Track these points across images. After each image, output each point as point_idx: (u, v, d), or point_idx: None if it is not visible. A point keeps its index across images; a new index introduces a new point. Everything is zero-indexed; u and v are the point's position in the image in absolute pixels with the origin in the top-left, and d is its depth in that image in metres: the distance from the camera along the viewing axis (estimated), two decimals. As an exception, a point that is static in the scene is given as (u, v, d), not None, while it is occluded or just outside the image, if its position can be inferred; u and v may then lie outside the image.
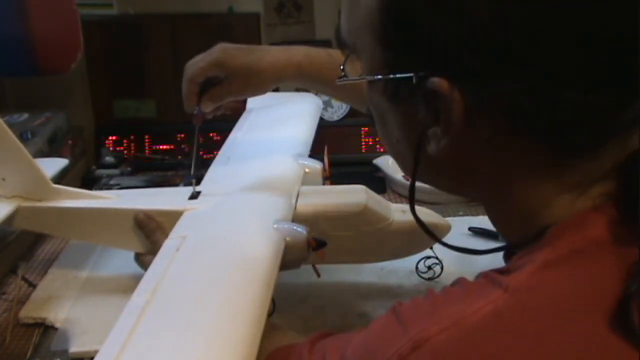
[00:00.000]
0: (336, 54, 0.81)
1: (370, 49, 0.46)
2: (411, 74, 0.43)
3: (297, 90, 1.22)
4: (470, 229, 1.03)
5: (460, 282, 0.45)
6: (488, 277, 0.43)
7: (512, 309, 0.39)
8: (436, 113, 0.43)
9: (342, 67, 0.55)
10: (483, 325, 0.39)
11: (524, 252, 0.44)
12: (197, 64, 0.80)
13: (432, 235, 0.55)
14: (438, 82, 0.41)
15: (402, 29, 0.43)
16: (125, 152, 1.44)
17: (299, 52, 0.82)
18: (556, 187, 0.44)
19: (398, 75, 0.44)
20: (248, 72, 0.79)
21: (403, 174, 1.23)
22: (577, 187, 0.43)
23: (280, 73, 0.81)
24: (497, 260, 0.51)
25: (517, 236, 0.47)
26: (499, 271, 0.44)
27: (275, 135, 1.00)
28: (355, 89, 0.82)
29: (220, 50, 0.80)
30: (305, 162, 0.89)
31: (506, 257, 0.52)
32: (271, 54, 0.81)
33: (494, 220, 0.51)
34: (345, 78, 0.54)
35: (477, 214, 1.11)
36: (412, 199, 0.53)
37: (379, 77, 0.46)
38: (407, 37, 0.43)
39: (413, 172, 0.49)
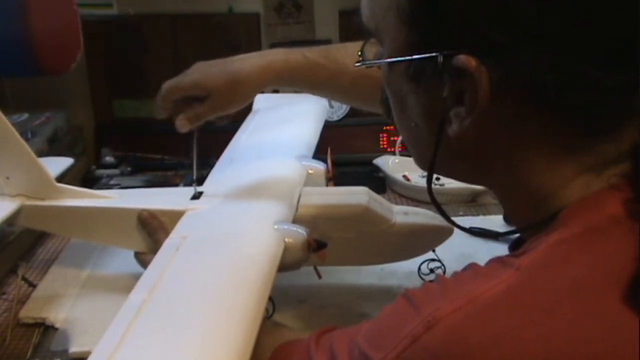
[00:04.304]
0: (312, 54, 0.81)
1: (394, 30, 0.46)
2: (437, 53, 0.43)
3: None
4: (470, 229, 1.03)
5: (471, 266, 0.45)
6: (500, 260, 0.43)
7: (524, 285, 0.40)
8: (460, 93, 0.44)
9: (359, 53, 0.55)
10: (496, 302, 0.39)
11: (538, 235, 0.44)
12: (175, 83, 0.77)
13: (449, 219, 0.55)
14: (465, 59, 0.42)
15: (430, 7, 0.43)
16: (125, 152, 1.44)
17: (277, 58, 0.80)
18: (574, 169, 0.44)
19: (424, 55, 0.44)
20: (229, 87, 0.77)
21: (403, 173, 1.23)
22: (595, 168, 0.43)
23: (260, 82, 0.79)
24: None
25: (530, 221, 0.47)
26: (511, 255, 0.44)
27: (279, 136, 1.00)
28: (334, 84, 0.82)
29: (198, 70, 0.78)
30: (309, 164, 0.89)
31: (512, 248, 0.52)
32: (249, 64, 0.79)
33: (507, 205, 0.51)
34: (364, 62, 0.54)
35: (477, 214, 1.11)
36: (430, 186, 0.52)
37: (405, 58, 0.46)
38: (434, 15, 0.43)
39: (432, 156, 0.49)
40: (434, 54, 0.44)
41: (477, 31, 0.41)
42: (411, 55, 0.45)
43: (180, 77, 0.78)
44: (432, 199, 0.53)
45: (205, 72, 0.78)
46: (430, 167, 0.50)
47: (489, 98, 0.42)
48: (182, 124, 0.78)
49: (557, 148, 0.44)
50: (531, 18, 0.40)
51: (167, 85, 0.78)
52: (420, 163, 0.54)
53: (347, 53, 0.80)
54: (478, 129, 0.44)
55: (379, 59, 0.51)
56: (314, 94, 0.88)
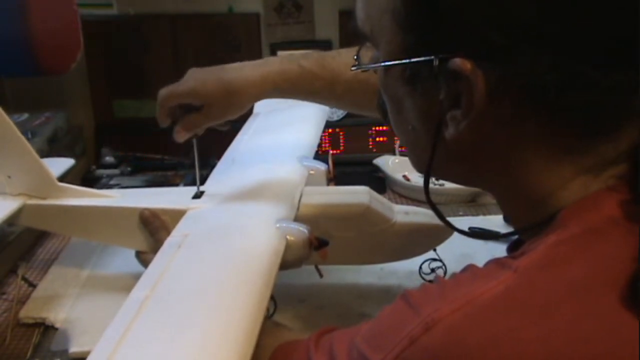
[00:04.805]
0: (307, 63, 0.80)
1: (390, 33, 0.46)
2: (433, 56, 0.43)
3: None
4: (470, 229, 1.03)
5: (469, 268, 0.45)
6: (498, 262, 0.43)
7: (522, 287, 0.40)
8: (457, 95, 0.44)
9: (355, 57, 0.55)
10: (494, 303, 0.39)
11: (536, 237, 0.44)
12: (170, 90, 0.78)
13: (447, 222, 0.55)
14: (461, 62, 0.42)
15: (426, 9, 0.43)
16: (125, 152, 1.44)
17: (272, 69, 0.79)
18: (573, 170, 0.44)
19: (420, 59, 0.44)
20: (224, 97, 0.77)
21: (403, 173, 1.23)
22: (593, 169, 0.43)
23: (256, 93, 0.79)
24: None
25: (529, 222, 0.47)
26: (510, 256, 0.44)
27: (280, 137, 1.01)
28: (330, 92, 0.82)
29: (193, 78, 0.78)
30: (310, 164, 0.89)
31: (511, 249, 0.52)
32: (244, 75, 0.78)
33: (505, 207, 0.51)
34: (360, 66, 0.54)
35: (477, 214, 1.11)
36: (427, 189, 0.52)
37: (400, 61, 0.46)
38: (430, 18, 0.43)
39: (429, 159, 0.49)
40: (429, 57, 0.43)
41: (476, 32, 0.41)
42: (407, 59, 0.45)
43: (175, 85, 0.78)
44: (429, 201, 0.53)
45: (200, 80, 0.78)
46: (427, 170, 0.50)
47: (486, 100, 0.42)
48: (179, 133, 0.79)
49: (555, 149, 0.44)
50: (531, 18, 0.40)
51: (162, 92, 0.78)
52: (418, 166, 0.54)
53: (342, 60, 0.80)
54: (475, 132, 0.44)
55: (374, 63, 0.51)
56: (310, 101, 0.88)
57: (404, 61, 0.46)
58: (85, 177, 1.35)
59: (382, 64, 0.49)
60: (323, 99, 0.87)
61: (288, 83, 0.80)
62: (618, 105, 0.42)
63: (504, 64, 0.41)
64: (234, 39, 1.47)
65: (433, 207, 0.54)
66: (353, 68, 0.54)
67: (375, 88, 0.54)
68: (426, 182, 0.52)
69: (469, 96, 0.43)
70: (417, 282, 0.89)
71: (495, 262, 0.44)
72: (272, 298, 0.74)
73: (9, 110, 0.77)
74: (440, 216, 0.54)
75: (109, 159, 1.40)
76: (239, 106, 0.80)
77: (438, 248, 0.84)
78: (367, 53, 0.53)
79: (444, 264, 0.86)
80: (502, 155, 0.46)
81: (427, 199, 0.53)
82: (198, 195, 0.82)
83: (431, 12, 0.43)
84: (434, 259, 0.87)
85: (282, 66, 0.80)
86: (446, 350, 0.39)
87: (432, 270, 0.87)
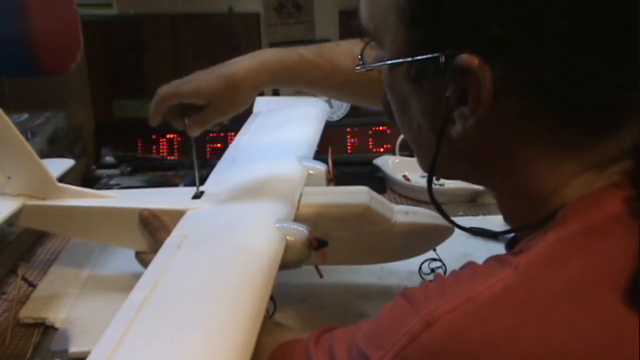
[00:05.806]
0: (306, 52, 0.81)
1: (394, 31, 0.46)
2: (439, 53, 0.43)
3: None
4: (470, 229, 1.03)
5: (469, 265, 0.45)
6: (498, 259, 0.43)
7: (522, 285, 0.40)
8: (463, 92, 0.44)
9: (359, 56, 0.54)
10: (494, 301, 0.39)
11: (536, 233, 0.44)
12: (173, 90, 0.79)
13: (449, 219, 0.55)
14: (468, 58, 0.41)
15: (429, 5, 0.43)
16: (125, 152, 1.44)
17: (270, 58, 0.80)
18: (576, 167, 0.44)
19: (426, 56, 0.44)
20: (227, 91, 0.78)
21: (403, 173, 1.23)
22: (596, 167, 0.43)
23: (256, 81, 0.80)
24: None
25: (530, 220, 0.47)
26: (509, 253, 0.44)
27: (280, 137, 1.01)
28: (328, 82, 0.82)
29: (196, 79, 0.79)
30: (310, 164, 0.89)
31: (508, 246, 0.51)
32: (243, 65, 0.79)
33: (507, 206, 0.51)
34: (364, 65, 0.54)
35: (477, 214, 1.11)
36: (430, 186, 0.52)
37: (406, 59, 0.46)
38: (435, 14, 0.43)
39: (434, 156, 0.48)
40: (435, 54, 0.43)
41: (481, 28, 0.41)
42: (412, 57, 0.45)
43: (177, 84, 0.79)
44: (432, 199, 0.53)
45: (203, 80, 0.79)
46: (431, 167, 0.50)
47: (493, 96, 0.42)
48: (192, 129, 0.80)
49: (559, 146, 0.44)
50: (537, 12, 0.40)
51: (163, 91, 0.79)
52: (424, 165, 0.54)
53: (341, 50, 0.81)
54: (481, 129, 0.44)
55: (379, 62, 0.51)
56: (308, 91, 0.89)
57: (409, 59, 0.46)
58: (85, 177, 1.35)
59: (387, 62, 0.48)
60: (322, 88, 0.87)
61: (286, 70, 0.81)
62: (623, 101, 0.42)
63: (509, 60, 0.41)
64: (234, 39, 1.47)
65: (436, 204, 0.54)
66: (357, 68, 0.54)
67: (373, 79, 0.54)
68: (430, 180, 0.52)
69: (476, 92, 0.43)
70: (417, 282, 0.87)
71: (494, 260, 0.44)
72: (272, 298, 0.74)
73: (9, 110, 0.78)
74: (444, 214, 0.54)
75: (109, 159, 1.40)
76: (242, 98, 0.80)
77: (438, 248, 0.84)
78: (371, 52, 0.53)
79: (444, 264, 0.86)
80: (507, 152, 0.46)
81: (430, 196, 0.53)
82: (198, 196, 0.82)
83: (435, 8, 0.42)
84: (434, 259, 0.86)
85: (280, 54, 0.81)
86: (446, 348, 0.39)
87: (432, 270, 0.87)
